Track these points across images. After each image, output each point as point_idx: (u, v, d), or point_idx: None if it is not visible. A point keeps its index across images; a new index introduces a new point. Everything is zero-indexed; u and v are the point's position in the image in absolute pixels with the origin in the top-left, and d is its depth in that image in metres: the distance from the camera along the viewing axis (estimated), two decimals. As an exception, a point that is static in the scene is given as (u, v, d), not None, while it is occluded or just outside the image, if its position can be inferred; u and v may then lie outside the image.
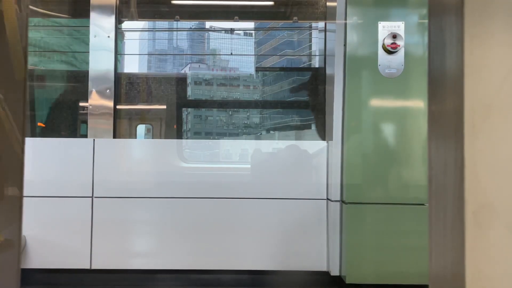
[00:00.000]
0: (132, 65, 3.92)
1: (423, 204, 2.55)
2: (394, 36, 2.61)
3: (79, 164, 2.80)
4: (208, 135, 4.27)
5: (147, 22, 4.02)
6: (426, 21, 2.56)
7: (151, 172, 2.92)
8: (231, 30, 3.92)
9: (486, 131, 0.63)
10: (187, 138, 3.84)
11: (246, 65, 4.75)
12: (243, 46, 4.46)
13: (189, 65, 4.60)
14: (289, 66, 4.46)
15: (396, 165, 2.61)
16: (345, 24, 2.69)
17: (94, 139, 2.82)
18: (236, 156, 3.19)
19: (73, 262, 2.76)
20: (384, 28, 2.63)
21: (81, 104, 3.28)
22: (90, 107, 2.91)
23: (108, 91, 2.92)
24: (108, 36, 2.94)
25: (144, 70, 4.04)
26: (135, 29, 3.89)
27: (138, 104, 3.49)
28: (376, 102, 2.65)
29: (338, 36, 2.75)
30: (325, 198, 2.81)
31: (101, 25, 2.94)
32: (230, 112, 4.13)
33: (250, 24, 4.26)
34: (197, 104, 4.28)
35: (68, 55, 4.02)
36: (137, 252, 2.89)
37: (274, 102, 4.64)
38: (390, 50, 2.61)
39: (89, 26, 2.95)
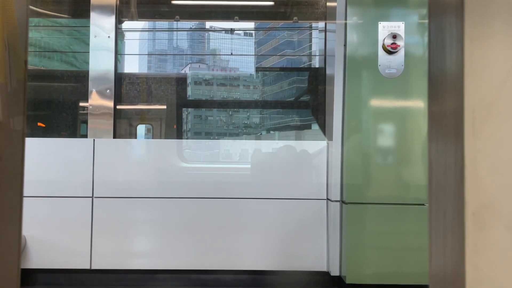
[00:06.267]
0: (132, 65, 3.92)
1: (423, 204, 2.55)
2: (394, 36, 2.61)
3: (79, 164, 2.80)
4: (208, 135, 4.27)
5: (147, 22, 4.02)
6: (426, 21, 2.56)
7: (151, 172, 2.92)
8: (231, 30, 3.92)
9: (486, 131, 0.63)
10: (187, 138, 3.84)
11: (246, 65, 4.75)
12: (243, 46, 4.46)
13: (189, 65, 4.60)
14: (289, 66, 4.46)
15: (396, 165, 2.61)
16: (345, 24, 2.69)
17: (94, 139, 2.82)
18: (236, 156, 3.19)
19: (73, 262, 2.76)
20: (384, 28, 2.63)
21: (81, 104, 3.28)
22: (90, 107, 2.91)
23: (108, 91, 2.92)
24: (108, 36, 2.94)
25: (144, 70, 4.05)
26: (135, 29, 3.89)
27: (138, 104, 3.49)
28: (376, 102, 2.65)
29: (338, 36, 2.75)
30: (325, 198, 2.81)
31: (101, 25, 2.94)
32: (230, 112, 4.13)
33: (250, 24, 4.26)
34: (197, 104, 4.29)
35: (68, 55, 4.02)
36: (137, 252, 2.89)
37: (274, 102, 4.64)
38: (390, 50, 2.61)
39: (89, 26, 2.95)
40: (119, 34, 3.16)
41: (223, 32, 4.37)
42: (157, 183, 2.86)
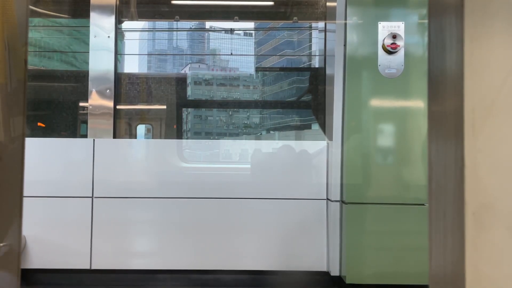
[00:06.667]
0: (132, 65, 3.92)
1: (423, 204, 2.55)
2: (394, 36, 2.61)
3: (79, 164, 2.80)
4: (208, 135, 4.27)
5: (147, 22, 4.02)
6: (426, 21, 2.56)
7: (151, 172, 2.92)
8: (231, 30, 3.92)
9: (486, 131, 0.63)
10: (187, 138, 3.84)
11: (246, 65, 4.75)
12: (243, 46, 4.46)
13: (189, 65, 4.60)
14: (289, 66, 4.46)
15: (396, 165, 2.61)
16: (345, 24, 2.69)
17: (94, 139, 2.82)
18: (236, 156, 3.19)
19: (73, 262, 2.76)
20: (384, 28, 2.63)
21: (81, 104, 3.28)
22: (90, 107, 2.91)
23: (108, 91, 2.92)
24: (108, 36, 2.94)
25: (144, 70, 4.04)
26: (135, 29, 3.89)
27: (138, 104, 3.49)
28: (376, 102, 2.65)
29: (338, 36, 2.75)
30: (325, 198, 2.81)
31: (101, 25, 2.94)
32: (230, 112, 4.13)
33: (250, 24, 4.26)
34: (197, 104, 4.29)
35: (68, 55, 4.02)
36: (137, 252, 2.89)
37: (274, 102, 4.64)
38: (390, 50, 2.61)
39: (89, 26, 2.95)
40: (119, 34, 3.16)
41: (223, 32, 4.37)
42: (157, 183, 2.86)
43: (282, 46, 4.67)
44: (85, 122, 2.95)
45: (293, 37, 4.29)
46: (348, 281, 2.57)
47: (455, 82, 0.66)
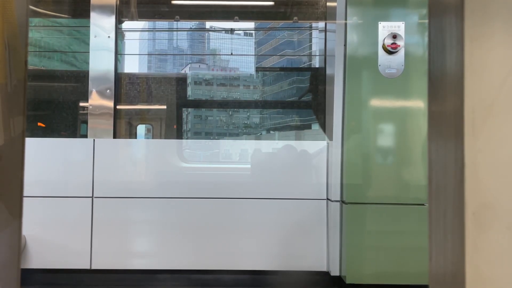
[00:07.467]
0: (132, 65, 3.92)
1: (423, 204, 2.55)
2: (394, 36, 2.61)
3: (79, 164, 2.80)
4: (208, 135, 4.27)
5: (147, 22, 4.02)
6: (426, 21, 2.56)
7: (151, 172, 2.92)
8: (231, 30, 3.92)
9: (486, 131, 0.63)
10: (187, 138, 3.84)
11: (246, 65, 4.75)
12: (243, 46, 4.46)
13: (189, 65, 4.60)
14: (289, 66, 4.47)
15: (396, 165, 2.61)
16: (345, 24, 2.69)
17: (94, 139, 2.82)
18: (236, 156, 3.19)
19: (73, 262, 2.76)
20: (384, 28, 2.63)
21: (81, 104, 3.28)
22: (90, 107, 2.91)
23: (108, 91, 2.92)
24: (108, 36, 2.94)
25: (144, 70, 4.05)
26: (135, 29, 3.89)
27: (138, 104, 3.49)
28: (376, 102, 2.65)
29: (338, 36, 2.75)
30: (325, 198, 2.81)
31: (101, 25, 2.94)
32: (230, 112, 4.13)
33: (250, 24, 4.26)
34: (197, 104, 4.29)
35: (68, 55, 4.02)
36: (137, 252, 2.89)
37: (274, 102, 4.64)
38: (390, 50, 2.60)
39: (89, 26, 2.95)
40: (119, 34, 3.16)
41: (223, 32, 4.37)
42: (157, 183, 2.86)
43: (282, 46, 4.67)
44: (85, 122, 2.95)
45: (293, 37, 4.29)
46: (348, 281, 2.57)
47: (455, 82, 0.66)
